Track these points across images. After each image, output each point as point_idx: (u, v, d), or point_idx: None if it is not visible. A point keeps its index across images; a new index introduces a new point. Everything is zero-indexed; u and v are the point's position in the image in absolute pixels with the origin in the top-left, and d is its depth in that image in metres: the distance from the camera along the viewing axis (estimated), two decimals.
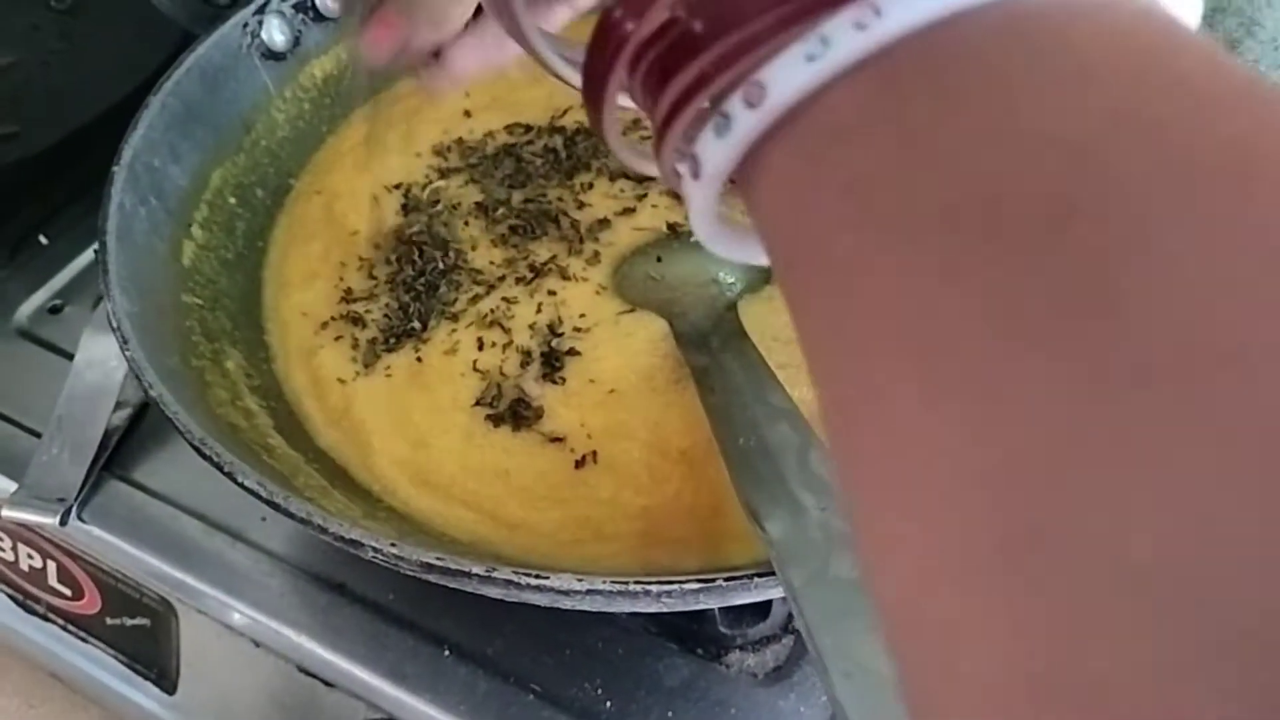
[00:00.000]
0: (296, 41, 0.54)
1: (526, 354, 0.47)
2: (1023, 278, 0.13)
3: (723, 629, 0.46)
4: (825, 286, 0.15)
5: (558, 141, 0.56)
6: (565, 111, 0.58)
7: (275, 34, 0.53)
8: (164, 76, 0.48)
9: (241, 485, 0.35)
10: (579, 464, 0.42)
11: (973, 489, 0.12)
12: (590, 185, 0.53)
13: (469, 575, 0.32)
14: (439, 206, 0.53)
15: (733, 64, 0.16)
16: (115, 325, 0.39)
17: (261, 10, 0.53)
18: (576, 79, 0.21)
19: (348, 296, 0.50)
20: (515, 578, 0.32)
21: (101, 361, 0.54)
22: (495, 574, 0.32)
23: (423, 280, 0.50)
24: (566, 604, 0.33)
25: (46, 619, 0.57)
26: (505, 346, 0.47)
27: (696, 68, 0.17)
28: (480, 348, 0.47)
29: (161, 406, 0.37)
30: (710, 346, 0.44)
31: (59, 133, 0.60)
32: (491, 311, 0.48)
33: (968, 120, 0.14)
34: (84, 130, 0.60)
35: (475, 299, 0.49)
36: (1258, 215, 0.12)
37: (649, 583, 0.32)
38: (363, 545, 0.33)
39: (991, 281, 0.13)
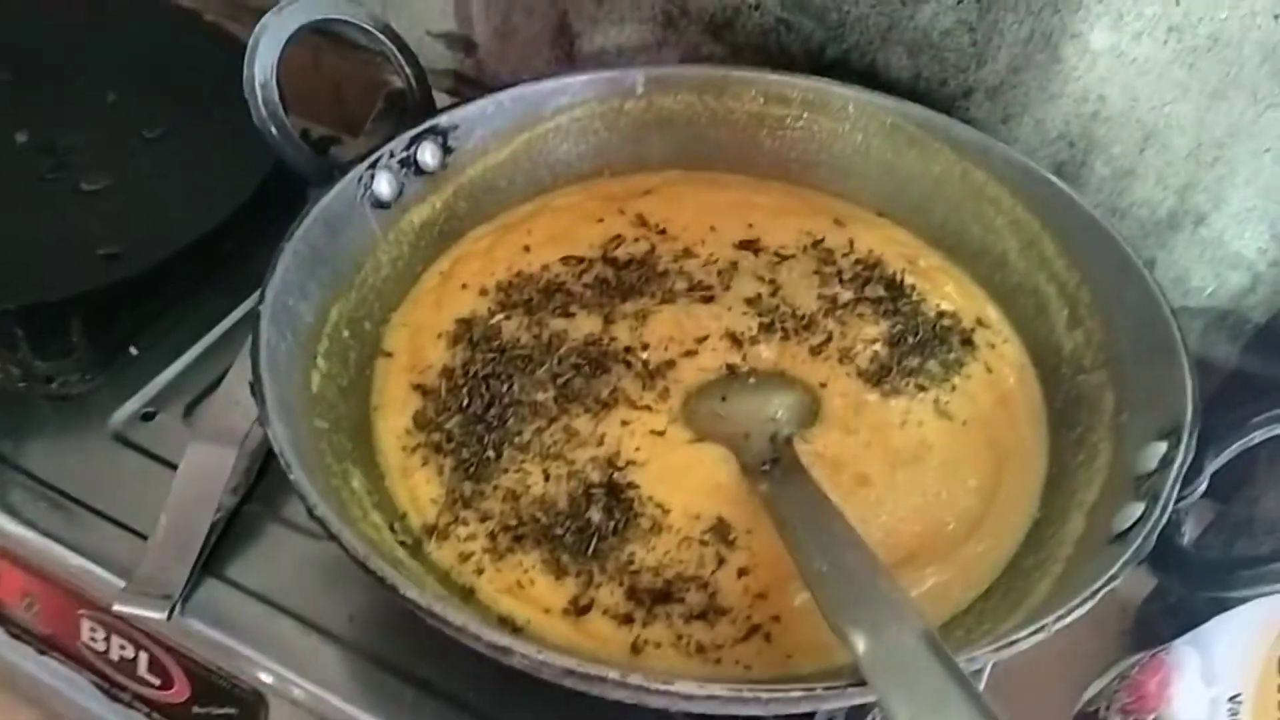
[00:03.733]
0: (400, 192, 0.61)
1: (590, 486, 0.52)
2: None
3: None
4: None
5: (608, 272, 0.63)
6: (618, 243, 0.65)
7: (383, 186, 0.60)
8: (295, 224, 0.55)
9: (403, 598, 0.40)
10: (655, 598, 0.48)
11: None
12: (644, 315, 0.60)
13: (604, 680, 0.38)
14: (499, 342, 0.58)
15: None
16: (279, 450, 0.44)
17: (374, 166, 0.60)
18: None
19: (429, 425, 0.55)
20: (645, 683, 0.38)
21: (203, 469, 0.60)
22: (628, 680, 0.38)
23: (492, 412, 0.55)
24: (681, 707, 0.39)
25: (131, 706, 0.62)
26: (569, 477, 0.52)
27: None
28: (546, 479, 0.52)
29: (325, 526, 0.42)
30: (773, 477, 0.51)
31: (160, 254, 0.65)
32: (555, 443, 0.54)
33: None
34: (182, 252, 0.66)
35: (539, 430, 0.54)
36: None
37: (760, 689, 0.38)
38: (512, 652, 0.39)
39: None
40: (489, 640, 0.39)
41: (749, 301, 0.61)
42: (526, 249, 0.65)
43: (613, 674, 0.38)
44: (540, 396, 0.56)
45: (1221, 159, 0.65)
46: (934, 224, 0.66)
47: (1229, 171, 0.65)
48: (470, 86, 0.89)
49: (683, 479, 0.52)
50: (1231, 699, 0.52)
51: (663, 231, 0.65)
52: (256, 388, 0.47)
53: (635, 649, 0.47)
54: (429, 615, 0.40)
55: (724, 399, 0.56)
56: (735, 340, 0.59)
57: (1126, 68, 0.64)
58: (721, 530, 0.51)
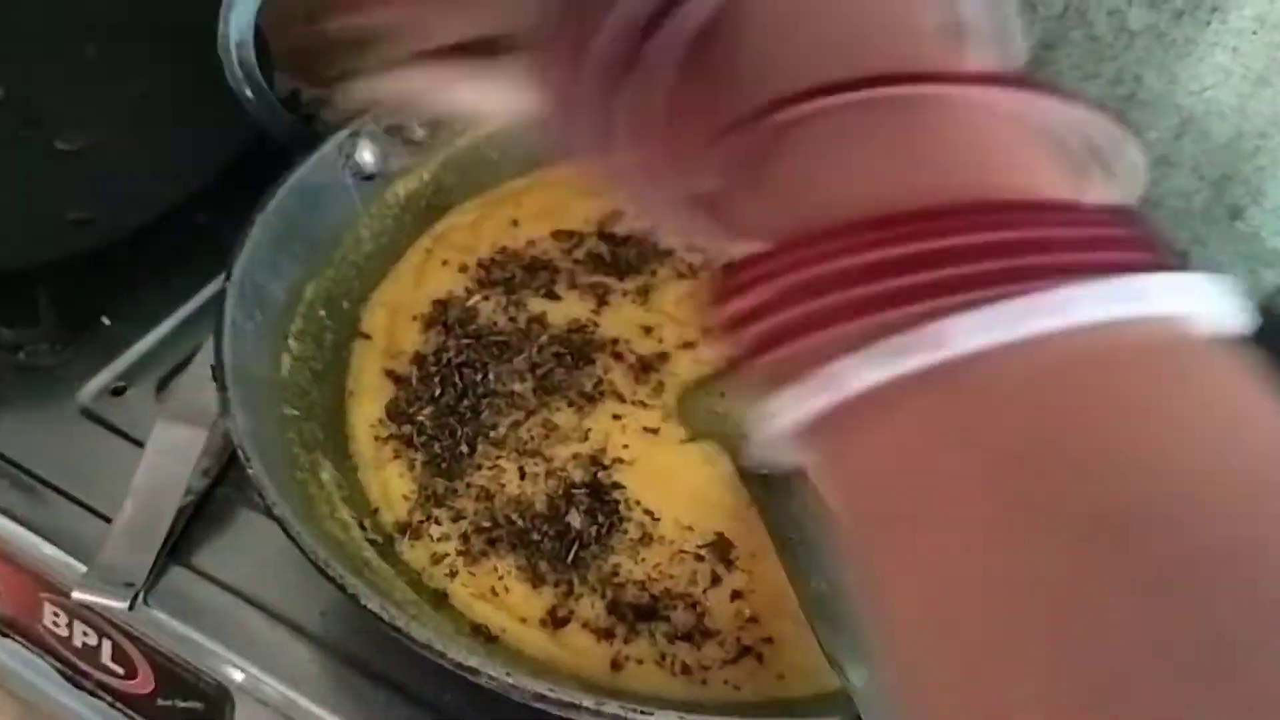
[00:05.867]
0: (385, 162, 0.58)
1: (571, 486, 0.48)
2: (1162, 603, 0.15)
3: None
4: (913, 563, 0.18)
5: (603, 247, 0.59)
6: (616, 218, 0.61)
7: (366, 155, 0.56)
8: (267, 195, 0.51)
9: (364, 608, 0.37)
10: (639, 615, 0.45)
11: None
12: (643, 291, 0.57)
13: (579, 707, 0.35)
14: (475, 326, 0.55)
15: (816, 359, 0.18)
16: (238, 443, 0.41)
17: (355, 132, 0.56)
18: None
19: (401, 416, 0.52)
20: (622, 712, 0.35)
21: (172, 450, 0.56)
22: (604, 708, 0.35)
23: (465, 403, 0.52)
24: None
25: (94, 695, 0.59)
26: (547, 476, 0.49)
27: (786, 351, 0.19)
28: (522, 477, 0.49)
29: (284, 526, 0.39)
30: (772, 484, 0.48)
31: (135, 221, 0.61)
32: (531, 439, 0.50)
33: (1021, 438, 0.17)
34: (159, 219, 0.62)
35: (516, 424, 0.51)
36: None
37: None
38: (479, 673, 0.36)
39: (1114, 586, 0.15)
40: (454, 659, 0.36)
41: None
42: (515, 223, 0.61)
43: (587, 702, 0.35)
44: (518, 387, 0.52)
45: (1263, 149, 0.61)
46: None
47: (1270, 163, 0.61)
48: None
49: (673, 484, 0.49)
50: None
51: None
52: (218, 373, 0.44)
53: (616, 665, 0.44)
54: (391, 629, 0.37)
55: (723, 395, 0.52)
56: None
57: (1166, 49, 0.60)
58: (721, 548, 0.47)
